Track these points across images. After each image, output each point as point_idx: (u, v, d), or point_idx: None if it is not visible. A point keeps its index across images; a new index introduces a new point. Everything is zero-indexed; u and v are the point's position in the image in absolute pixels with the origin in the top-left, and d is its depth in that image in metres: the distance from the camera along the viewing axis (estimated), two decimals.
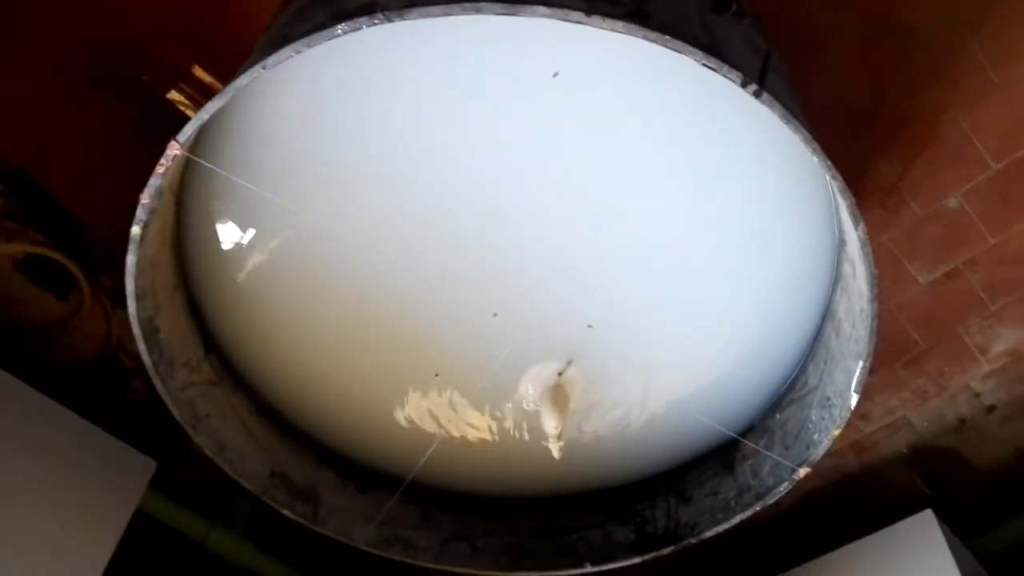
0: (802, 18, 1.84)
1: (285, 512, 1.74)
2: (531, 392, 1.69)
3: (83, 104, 2.06)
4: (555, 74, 1.33)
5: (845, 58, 1.91)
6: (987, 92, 1.90)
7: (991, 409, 2.41)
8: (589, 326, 1.65)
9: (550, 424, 1.61)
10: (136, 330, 1.46)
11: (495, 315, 1.62)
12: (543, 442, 1.64)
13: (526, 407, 1.72)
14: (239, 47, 1.54)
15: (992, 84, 1.88)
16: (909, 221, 2.11)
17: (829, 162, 1.25)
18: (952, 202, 2.06)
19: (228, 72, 1.32)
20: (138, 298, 1.42)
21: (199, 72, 2.04)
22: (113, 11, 1.95)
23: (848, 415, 1.54)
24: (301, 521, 1.75)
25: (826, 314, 1.68)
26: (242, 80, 1.20)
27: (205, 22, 1.98)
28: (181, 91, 2.06)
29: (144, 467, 2.26)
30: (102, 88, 2.04)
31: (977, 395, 2.38)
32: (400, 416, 1.80)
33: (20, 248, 2.10)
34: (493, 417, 1.79)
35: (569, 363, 1.68)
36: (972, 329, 2.25)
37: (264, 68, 1.18)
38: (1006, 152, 1.97)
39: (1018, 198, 2.02)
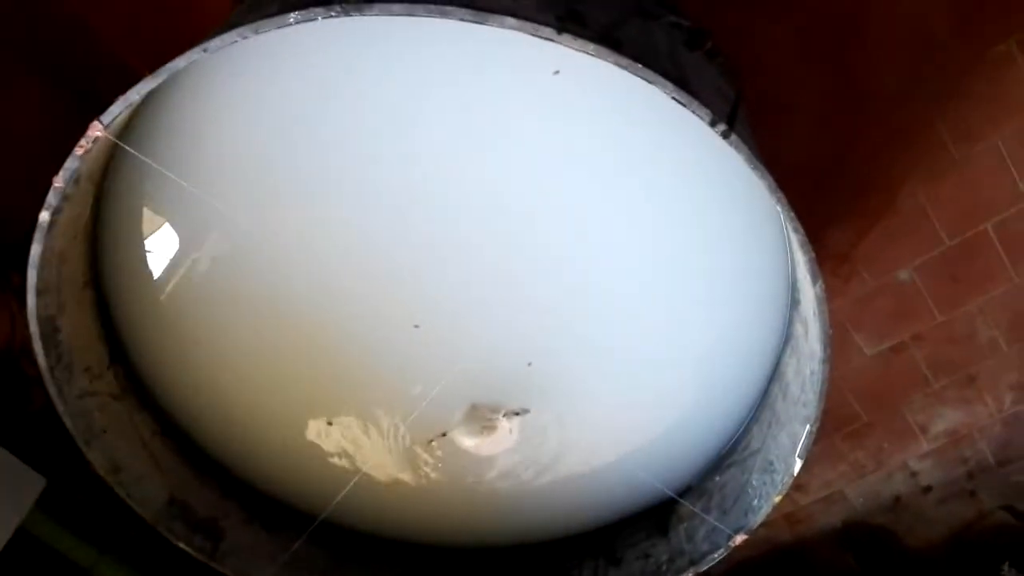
0: (766, 73, 1.83)
1: (181, 545, 1.60)
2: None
3: (17, 91, 1.95)
4: (556, 72, 1.26)
5: (807, 118, 1.91)
6: (947, 168, 1.91)
7: (927, 490, 2.40)
8: (529, 364, 1.57)
9: (465, 442, 1.55)
10: (33, 328, 1.35)
11: (419, 331, 1.52)
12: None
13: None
14: None
15: (952, 160, 1.90)
16: (859, 291, 2.10)
17: (792, 212, 1.22)
18: (904, 275, 2.06)
19: None
20: (39, 292, 1.32)
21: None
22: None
23: (790, 481, 1.49)
24: (198, 556, 1.62)
25: (773, 375, 1.64)
26: (179, 62, 1.12)
27: (163, 33, 1.90)
28: None
29: (32, 484, 2.08)
30: (35, 75, 1.93)
31: (914, 474, 2.37)
32: (318, 450, 1.70)
33: None
34: (417, 457, 1.69)
35: (524, 411, 1.60)
36: (914, 406, 2.25)
37: (205, 51, 1.10)
38: (960, 229, 1.99)
39: (968, 277, 2.04)
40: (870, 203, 1.98)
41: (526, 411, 1.60)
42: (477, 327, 1.53)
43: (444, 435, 1.61)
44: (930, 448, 2.31)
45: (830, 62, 1.82)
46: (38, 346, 1.37)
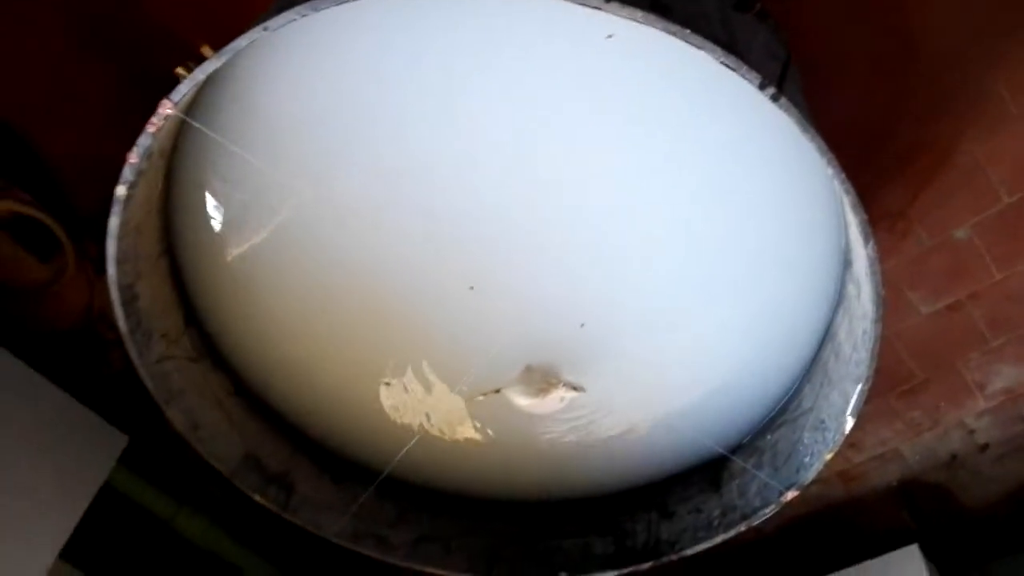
0: (817, 30, 1.79)
1: (256, 497, 1.68)
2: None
3: (81, 66, 2.01)
4: (609, 36, 1.27)
5: (860, 76, 1.86)
6: (1004, 124, 1.86)
7: (984, 448, 2.37)
8: (582, 325, 1.60)
9: (520, 402, 1.59)
10: (114, 295, 1.41)
11: (474, 293, 1.55)
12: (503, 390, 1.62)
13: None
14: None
15: (1010, 116, 1.84)
16: (915, 249, 2.07)
17: (843, 175, 1.21)
18: (960, 233, 2.02)
19: None
20: (119, 262, 1.38)
21: (207, 51, 1.99)
22: None
23: (842, 439, 1.49)
24: (271, 507, 1.70)
25: (826, 335, 1.63)
26: (241, 41, 1.16)
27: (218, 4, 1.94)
28: (188, 68, 2.01)
29: (115, 441, 2.20)
30: (102, 51, 1.99)
31: (971, 432, 2.34)
32: (381, 407, 1.75)
33: (5, 206, 2.05)
34: (474, 415, 1.74)
35: (578, 388, 1.63)
36: (971, 364, 2.21)
37: (266, 30, 1.14)
38: (1019, 186, 1.93)
39: None
40: (925, 160, 1.93)
41: (583, 389, 1.63)
42: (530, 289, 1.56)
43: (498, 391, 1.65)
44: (987, 406, 2.27)
45: (882, 21, 1.78)
46: (119, 312, 1.43)
